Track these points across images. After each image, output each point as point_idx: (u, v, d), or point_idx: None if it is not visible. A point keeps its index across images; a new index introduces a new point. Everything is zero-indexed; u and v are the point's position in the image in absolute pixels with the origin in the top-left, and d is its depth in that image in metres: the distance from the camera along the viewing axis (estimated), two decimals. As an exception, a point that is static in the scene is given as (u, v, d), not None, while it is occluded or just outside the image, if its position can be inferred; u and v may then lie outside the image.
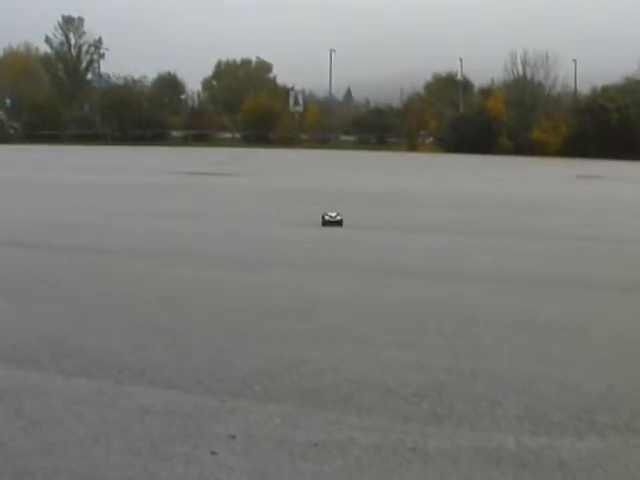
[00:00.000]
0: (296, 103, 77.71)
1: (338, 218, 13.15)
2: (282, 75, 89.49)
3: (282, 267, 9.97)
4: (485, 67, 73.11)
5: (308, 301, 7.81)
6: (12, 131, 72.16)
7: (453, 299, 8.03)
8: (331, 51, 79.92)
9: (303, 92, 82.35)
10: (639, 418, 4.64)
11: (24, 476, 3.88)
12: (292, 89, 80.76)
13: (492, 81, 73.61)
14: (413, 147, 67.67)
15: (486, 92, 71.65)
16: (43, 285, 8.47)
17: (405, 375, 5.39)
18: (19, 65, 78.54)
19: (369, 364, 5.61)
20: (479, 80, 77.33)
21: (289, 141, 70.81)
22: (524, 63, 69.70)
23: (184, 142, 70.19)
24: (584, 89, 72.46)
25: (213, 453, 4.10)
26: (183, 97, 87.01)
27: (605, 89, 67.74)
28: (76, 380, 5.26)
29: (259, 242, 12.23)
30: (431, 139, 70.46)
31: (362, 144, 70.81)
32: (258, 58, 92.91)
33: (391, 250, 11.66)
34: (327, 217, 13.24)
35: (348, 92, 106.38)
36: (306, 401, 4.88)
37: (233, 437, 4.28)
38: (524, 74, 70.26)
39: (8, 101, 74.14)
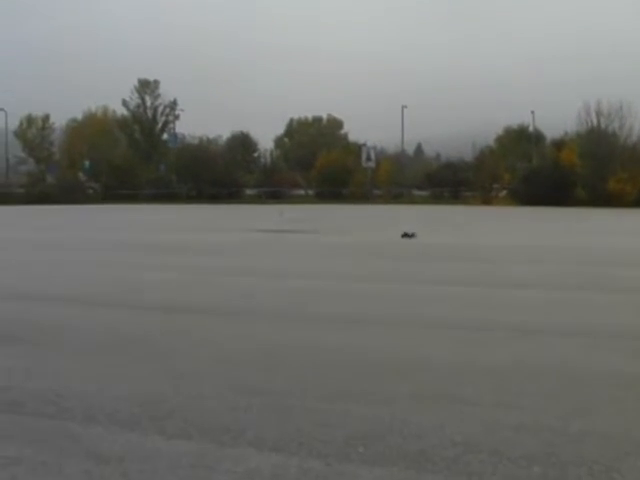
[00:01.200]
0: (368, 159, 78.15)
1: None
2: (353, 131, 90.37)
3: (373, 325, 9.87)
4: (557, 118, 72.70)
5: (404, 359, 7.70)
6: (91, 191, 74.04)
7: (551, 356, 7.83)
8: (403, 107, 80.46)
9: (375, 148, 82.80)
10: None
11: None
12: (364, 145, 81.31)
13: (565, 132, 73.01)
14: (487, 201, 67.25)
15: (559, 144, 71.13)
16: (137, 346, 8.52)
17: (511, 436, 5.24)
18: (97, 127, 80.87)
19: (472, 425, 5.48)
20: (551, 132, 76.89)
21: (362, 197, 71.04)
22: (598, 113, 69.10)
23: (258, 200, 71.03)
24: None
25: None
26: (256, 155, 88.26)
27: (681, 138, 66.75)
28: (177, 442, 5.24)
29: (350, 298, 12.17)
30: (505, 192, 69.92)
31: (435, 198, 70.71)
32: (329, 115, 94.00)
33: (484, 305, 11.46)
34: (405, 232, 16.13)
35: (419, 147, 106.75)
36: (412, 463, 4.78)
37: (343, 502, 4.19)
38: (598, 124, 69.58)
39: (87, 163, 76.16)
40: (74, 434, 5.45)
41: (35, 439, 5.40)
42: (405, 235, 21.05)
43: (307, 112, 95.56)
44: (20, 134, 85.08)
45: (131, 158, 77.83)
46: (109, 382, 6.88)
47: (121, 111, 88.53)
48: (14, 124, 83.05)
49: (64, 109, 79.90)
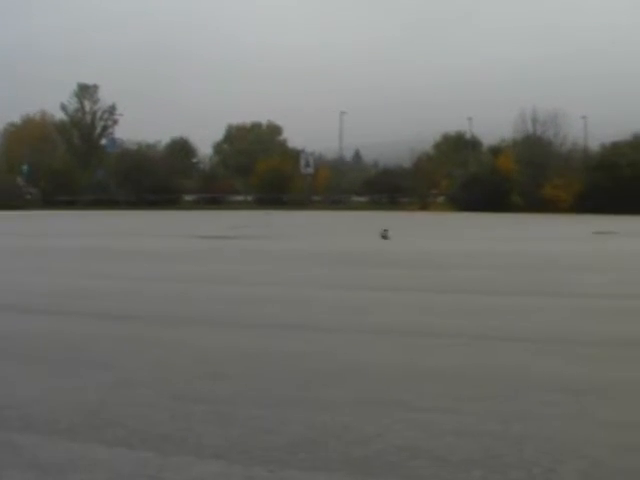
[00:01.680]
0: (307, 165, 78.42)
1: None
2: (292, 138, 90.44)
3: (315, 331, 9.88)
4: (494, 126, 73.70)
5: (346, 365, 7.71)
6: (29, 196, 72.91)
7: (491, 361, 7.91)
8: (341, 113, 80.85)
9: (313, 154, 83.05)
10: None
11: None
12: (303, 151, 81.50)
13: (502, 139, 74.04)
14: (425, 206, 67.92)
15: (496, 150, 72.19)
16: (76, 354, 8.40)
17: (453, 441, 5.28)
18: (35, 132, 79.83)
19: (415, 430, 5.51)
20: (488, 139, 77.93)
21: (301, 203, 71.15)
22: (534, 121, 70.26)
23: (197, 206, 70.72)
24: (593, 145, 73.06)
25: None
26: (195, 161, 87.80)
27: (615, 145, 68.21)
28: (119, 451, 5.16)
29: (291, 304, 12.16)
30: (442, 198, 70.67)
31: (374, 204, 71.13)
32: (268, 121, 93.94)
33: (427, 311, 11.55)
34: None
35: (357, 153, 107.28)
36: (355, 470, 4.77)
37: (286, 510, 4.18)
38: (534, 132, 70.75)
39: (25, 167, 74.97)
40: (13, 444, 5.34)
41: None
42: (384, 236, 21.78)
43: (246, 118, 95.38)
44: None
45: (70, 163, 76.82)
46: (49, 391, 6.77)
47: (60, 116, 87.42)
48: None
49: (1, 114, 78.37)
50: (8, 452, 5.19)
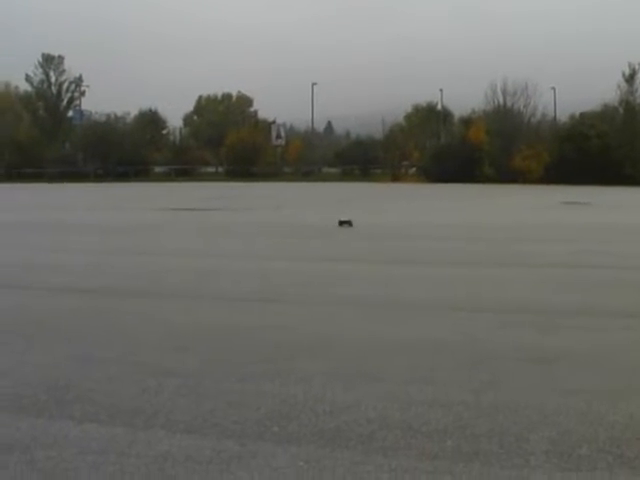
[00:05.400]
0: (278, 136, 78.05)
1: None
2: (263, 109, 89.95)
3: (285, 303, 9.85)
4: (465, 97, 73.74)
5: (316, 338, 7.69)
6: (-6, 170, 71.97)
7: (461, 332, 7.92)
8: (313, 84, 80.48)
9: (284, 125, 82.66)
10: (670, 450, 4.55)
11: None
12: (273, 122, 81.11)
13: (473, 111, 74.05)
14: (396, 178, 67.89)
15: (467, 121, 72.11)
16: (42, 329, 8.31)
17: (425, 412, 5.27)
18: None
19: (386, 401, 5.50)
20: (459, 110, 77.92)
21: (272, 174, 70.91)
22: (504, 92, 70.28)
23: (167, 178, 70.27)
24: (563, 116, 73.34)
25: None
26: (165, 133, 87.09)
27: (583, 116, 68.53)
28: (87, 427, 5.10)
29: (260, 277, 12.10)
30: (414, 169, 70.68)
31: (346, 176, 71.04)
32: (239, 92, 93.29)
33: (393, 283, 11.56)
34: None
35: (329, 125, 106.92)
36: (328, 441, 4.75)
37: (254, 485, 4.15)
38: (504, 103, 70.79)
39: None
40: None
41: None
42: (342, 223, 20.36)
43: (216, 89, 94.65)
44: None
45: (35, 136, 75.81)
46: (14, 367, 6.68)
47: (24, 87, 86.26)
48: None
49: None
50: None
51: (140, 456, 4.58)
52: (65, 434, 4.99)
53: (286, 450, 4.62)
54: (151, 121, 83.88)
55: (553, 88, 73.74)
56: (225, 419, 5.17)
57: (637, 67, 66.23)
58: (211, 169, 77.61)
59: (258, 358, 6.84)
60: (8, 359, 6.97)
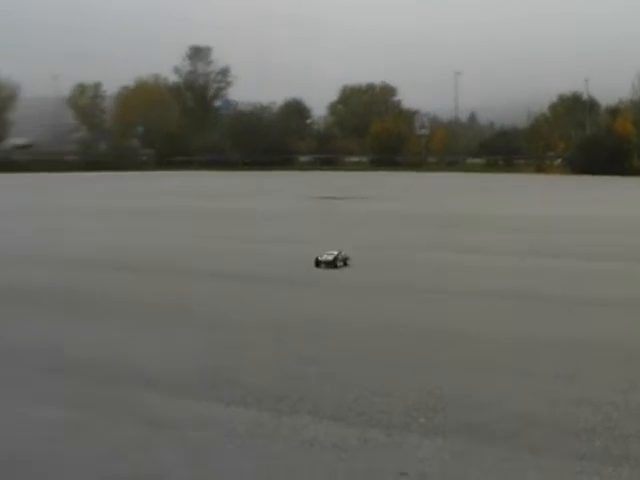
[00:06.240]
0: (422, 126, 77.65)
1: (330, 259, 11.51)
2: (406, 99, 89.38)
3: (423, 293, 9.80)
4: (612, 86, 71.19)
5: (458, 330, 7.62)
6: (144, 158, 74.43)
7: (614, 329, 7.68)
8: (456, 74, 79.52)
9: (428, 115, 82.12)
10: None
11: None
12: (417, 112, 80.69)
13: (620, 101, 71.47)
14: (541, 169, 66.30)
15: (613, 112, 69.61)
16: (191, 313, 8.55)
17: (572, 411, 5.14)
18: (149, 95, 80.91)
19: (534, 398, 5.39)
20: (606, 99, 75.31)
21: (417, 164, 70.52)
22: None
23: (312, 167, 70.91)
24: None
25: (383, 490, 3.98)
26: (309, 122, 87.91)
27: None
28: (235, 410, 5.22)
29: (401, 266, 12.07)
30: (559, 161, 68.84)
31: (489, 166, 69.91)
32: (382, 82, 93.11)
33: (529, 277, 11.29)
34: (321, 258, 11.48)
35: (472, 115, 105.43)
36: (473, 436, 4.70)
37: (405, 474, 4.14)
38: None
39: (140, 129, 76.50)
40: (130, 400, 5.46)
41: (81, 403, 5.43)
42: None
43: (360, 79, 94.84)
44: (72, 102, 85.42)
45: (184, 125, 77.99)
46: (166, 350, 6.91)
47: (172, 78, 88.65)
48: (66, 92, 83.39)
49: (115, 77, 79.70)
50: (126, 408, 5.32)
51: (286, 441, 4.65)
52: (213, 415, 5.12)
53: (432, 442, 4.59)
54: (296, 110, 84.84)
55: None
56: (371, 408, 5.18)
57: None
58: (355, 158, 77.82)
59: (405, 348, 6.83)
60: (160, 341, 7.21)
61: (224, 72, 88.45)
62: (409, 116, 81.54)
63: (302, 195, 32.22)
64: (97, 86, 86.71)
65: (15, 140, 74.16)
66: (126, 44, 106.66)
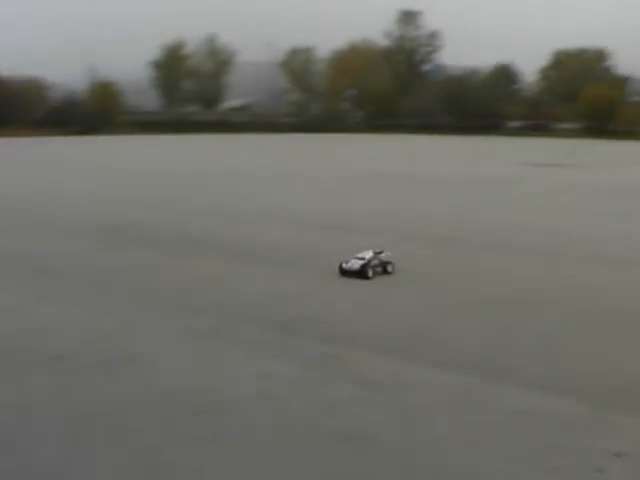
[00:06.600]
0: (636, 93, 73.88)
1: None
2: (621, 64, 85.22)
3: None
4: None
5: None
6: (356, 120, 75.61)
7: None
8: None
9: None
10: None
11: (386, 471, 3.93)
12: (628, 78, 76.89)
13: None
14: None
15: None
16: (411, 274, 8.62)
17: None
18: (361, 59, 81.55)
19: None
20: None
21: (630, 132, 67.25)
22: None
23: (521, 132, 69.31)
24: None
25: (600, 471, 3.88)
26: (517, 87, 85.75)
27: None
28: (447, 375, 5.26)
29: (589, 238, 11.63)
30: None
31: None
32: (595, 47, 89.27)
33: None
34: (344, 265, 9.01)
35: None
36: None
37: (619, 455, 4.03)
38: None
39: (352, 92, 77.46)
40: (341, 358, 5.60)
41: (299, 359, 5.63)
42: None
43: (571, 43, 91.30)
44: (286, 66, 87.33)
45: (393, 89, 78.14)
46: (378, 310, 7.02)
47: (382, 42, 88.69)
48: (280, 56, 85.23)
49: (326, 42, 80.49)
50: (336, 366, 5.46)
51: (496, 411, 4.63)
52: (427, 380, 5.17)
53: (636, 423, 4.48)
54: (505, 75, 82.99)
55: None
56: (583, 382, 5.12)
57: None
58: (566, 125, 75.25)
59: (616, 324, 6.61)
60: (379, 301, 7.35)
61: (433, 36, 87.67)
62: (623, 82, 77.78)
63: (522, 161, 31.37)
64: (309, 50, 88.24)
65: (232, 102, 77.11)
66: (337, 9, 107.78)
